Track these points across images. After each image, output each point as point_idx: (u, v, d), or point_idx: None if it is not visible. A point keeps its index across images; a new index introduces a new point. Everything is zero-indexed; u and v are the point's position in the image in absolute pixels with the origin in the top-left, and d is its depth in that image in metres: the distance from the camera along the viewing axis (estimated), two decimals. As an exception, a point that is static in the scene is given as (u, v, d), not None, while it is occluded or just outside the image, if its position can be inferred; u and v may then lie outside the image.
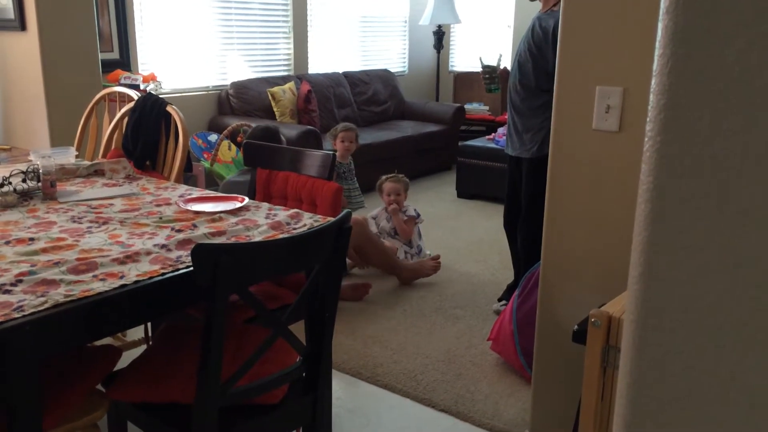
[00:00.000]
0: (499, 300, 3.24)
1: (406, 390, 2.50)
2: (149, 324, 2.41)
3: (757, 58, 0.50)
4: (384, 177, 3.91)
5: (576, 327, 1.54)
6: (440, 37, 7.14)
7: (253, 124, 4.53)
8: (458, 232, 4.45)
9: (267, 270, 1.50)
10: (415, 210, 3.89)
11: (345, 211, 1.66)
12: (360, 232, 3.32)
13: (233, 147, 4.71)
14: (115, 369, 1.70)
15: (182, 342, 1.77)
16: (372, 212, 3.93)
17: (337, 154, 3.90)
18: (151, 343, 1.98)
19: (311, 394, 1.70)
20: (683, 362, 0.56)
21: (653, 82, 0.55)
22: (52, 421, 1.44)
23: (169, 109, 2.58)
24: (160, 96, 2.75)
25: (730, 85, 0.51)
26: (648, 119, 0.56)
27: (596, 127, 1.88)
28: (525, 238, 2.99)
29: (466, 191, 5.36)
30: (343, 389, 2.52)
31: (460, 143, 5.58)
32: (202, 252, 1.34)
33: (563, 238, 2.01)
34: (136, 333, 2.60)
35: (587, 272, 1.97)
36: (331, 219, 1.66)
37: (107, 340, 2.22)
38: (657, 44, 0.54)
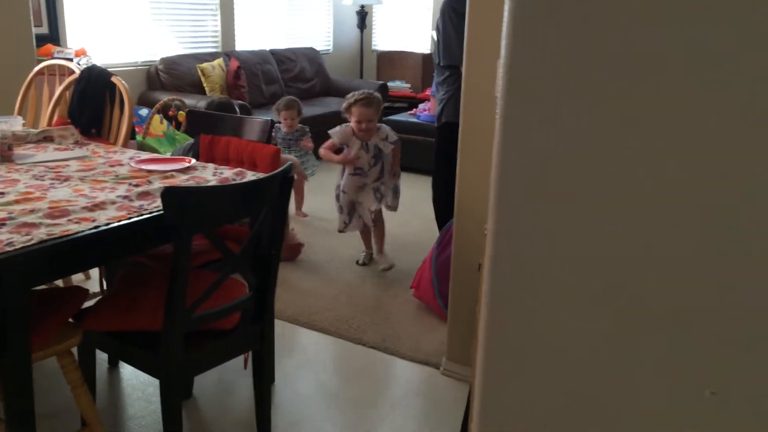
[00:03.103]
0: None
1: (340, 332, 2.81)
2: (103, 279, 2.61)
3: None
4: (353, 97, 3.31)
5: (480, 262, 1.89)
6: (363, 16, 7.41)
7: (186, 100, 4.69)
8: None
9: (225, 211, 1.76)
10: (394, 134, 3.47)
11: (287, 164, 1.93)
12: None
13: (165, 121, 4.84)
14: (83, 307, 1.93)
15: (143, 283, 2.00)
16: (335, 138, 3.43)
17: (280, 126, 4.18)
18: (112, 287, 2.20)
19: (260, 322, 1.98)
20: (522, 279, 0.88)
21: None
22: (35, 345, 1.66)
23: (113, 79, 2.76)
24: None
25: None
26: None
27: (497, 94, 2.22)
28: (435, 197, 3.37)
29: (390, 163, 5.68)
30: (281, 334, 2.80)
31: (383, 118, 5.89)
32: (170, 194, 1.59)
33: (474, 191, 2.36)
34: (93, 287, 2.79)
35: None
36: (276, 171, 1.93)
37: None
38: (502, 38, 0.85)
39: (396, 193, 3.57)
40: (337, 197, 3.47)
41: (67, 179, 2.08)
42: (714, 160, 0.74)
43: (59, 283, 2.75)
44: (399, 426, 2.23)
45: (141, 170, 2.21)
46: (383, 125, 3.41)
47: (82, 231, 1.65)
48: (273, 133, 3.78)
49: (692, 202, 0.75)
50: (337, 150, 3.44)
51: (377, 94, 3.35)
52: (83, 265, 1.74)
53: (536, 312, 0.86)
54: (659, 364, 0.79)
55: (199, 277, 2.02)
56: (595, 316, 0.83)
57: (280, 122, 4.22)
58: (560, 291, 0.84)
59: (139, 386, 2.40)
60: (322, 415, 2.27)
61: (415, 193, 4.82)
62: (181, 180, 2.13)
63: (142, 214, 1.79)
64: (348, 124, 3.36)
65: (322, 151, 3.45)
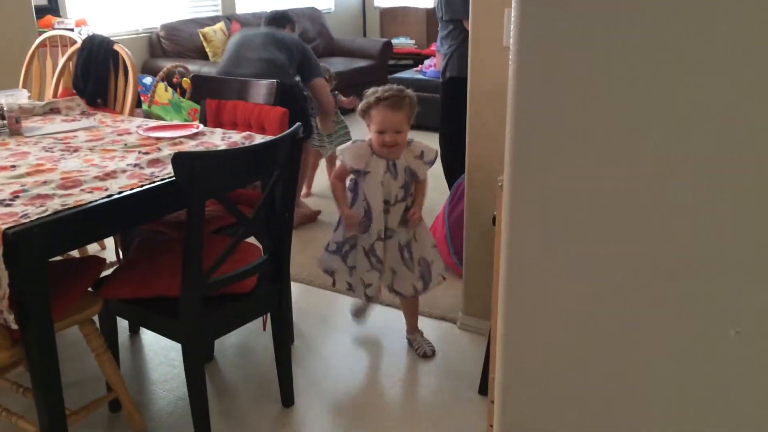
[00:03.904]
0: None
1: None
2: (119, 248, 2.62)
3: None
4: (374, 95, 2.14)
5: (494, 213, 1.88)
6: (364, -27, 7.27)
7: (189, 66, 4.65)
8: (392, 159, 4.75)
9: (235, 175, 1.75)
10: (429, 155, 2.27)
11: (296, 124, 1.91)
12: None
13: (169, 89, 4.81)
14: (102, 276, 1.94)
15: (159, 250, 2.01)
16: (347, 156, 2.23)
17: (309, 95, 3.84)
18: (128, 255, 2.22)
19: (277, 284, 1.99)
20: (540, 230, 0.87)
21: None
22: (57, 315, 1.68)
23: (116, 47, 2.73)
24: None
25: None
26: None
27: (506, 44, 2.18)
28: (442, 153, 3.34)
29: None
30: (298, 296, 2.82)
31: (389, 77, 5.82)
32: (181, 159, 1.58)
33: (484, 143, 2.33)
34: (109, 256, 2.82)
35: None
36: (285, 132, 1.92)
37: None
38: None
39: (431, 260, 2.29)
40: (338, 251, 2.28)
41: (76, 150, 2.08)
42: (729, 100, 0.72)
43: (76, 253, 2.78)
44: (419, 381, 2.26)
45: (150, 138, 2.20)
46: (416, 141, 2.21)
47: (96, 200, 1.65)
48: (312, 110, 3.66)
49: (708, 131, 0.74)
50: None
51: (410, 92, 2.14)
52: (98, 234, 1.75)
53: (555, 261, 0.86)
54: (682, 304, 0.79)
55: (215, 242, 2.03)
56: (616, 259, 0.82)
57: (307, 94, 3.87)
58: (579, 239, 0.83)
59: (161, 351, 2.43)
60: (342, 372, 2.30)
61: (425, 150, 4.80)
62: (190, 146, 2.12)
63: (153, 181, 1.79)
64: (362, 139, 2.21)
65: (332, 181, 2.33)
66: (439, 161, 3.36)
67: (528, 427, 0.95)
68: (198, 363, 1.79)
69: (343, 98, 4.00)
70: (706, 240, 0.76)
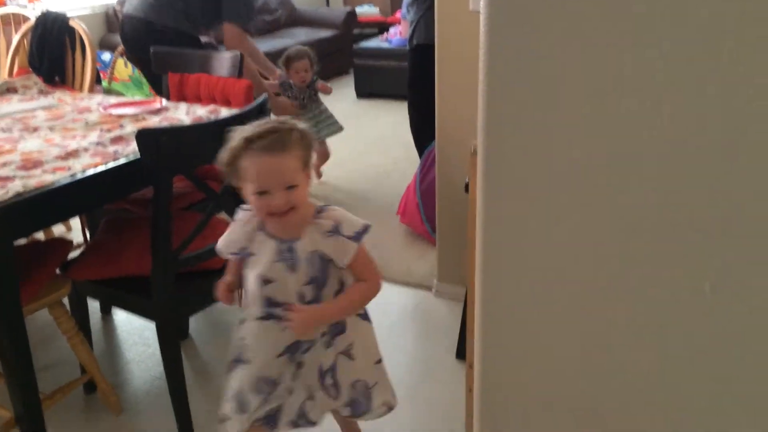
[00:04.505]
0: None
1: (329, 264, 2.82)
2: (86, 229, 2.57)
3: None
4: (239, 136, 1.34)
5: (467, 179, 1.87)
6: (325, -60, 7.12)
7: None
8: (361, 130, 4.72)
9: (202, 150, 1.71)
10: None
11: (263, 95, 1.88)
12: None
13: (129, 64, 4.68)
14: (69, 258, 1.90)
15: (126, 229, 1.97)
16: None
17: (292, 83, 3.48)
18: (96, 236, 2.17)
19: (250, 259, 1.97)
20: (516, 195, 0.86)
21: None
22: (25, 299, 1.64)
23: (72, 23, 2.64)
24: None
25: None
26: None
27: (473, 8, 2.16)
28: (411, 122, 3.33)
29: (364, 91, 5.59)
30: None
31: (354, 46, 5.75)
32: (145, 136, 1.54)
33: (453, 110, 2.32)
34: (76, 237, 2.76)
35: (475, 136, 2.31)
36: (251, 104, 1.88)
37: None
38: None
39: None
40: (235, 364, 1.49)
41: (36, 129, 2.02)
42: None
43: (41, 236, 2.72)
44: (397, 348, 2.27)
45: (111, 115, 2.14)
46: (331, 207, 1.41)
47: (59, 181, 1.60)
48: (283, 92, 3.46)
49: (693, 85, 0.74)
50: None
51: (296, 123, 1.34)
52: (63, 214, 1.71)
53: (532, 224, 0.86)
54: (658, 260, 0.80)
55: (185, 218, 2.00)
56: (591, 221, 0.82)
57: (285, 80, 3.50)
58: (555, 203, 0.83)
59: (134, 331, 2.40)
60: (320, 344, 2.30)
61: (393, 119, 4.78)
62: (153, 122, 2.07)
63: (117, 159, 1.75)
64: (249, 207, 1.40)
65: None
66: (405, 155, 3.34)
67: (508, 389, 0.96)
68: (173, 341, 1.77)
69: (323, 83, 3.66)
70: (680, 199, 0.77)
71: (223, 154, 1.31)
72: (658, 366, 0.85)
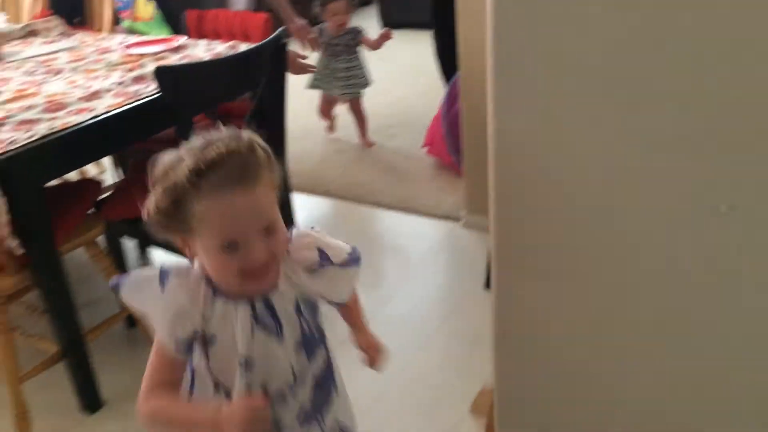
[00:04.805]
0: None
1: (357, 197, 2.84)
2: (119, 170, 2.61)
3: None
4: (179, 167, 0.84)
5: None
6: None
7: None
8: (387, 62, 4.63)
9: (221, 86, 1.71)
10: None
11: (280, 29, 1.85)
12: None
13: (150, 3, 4.63)
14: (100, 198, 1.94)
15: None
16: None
17: (328, 27, 3.15)
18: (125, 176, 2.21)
19: (276, 194, 1.99)
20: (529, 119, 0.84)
21: None
22: (60, 239, 1.69)
23: (88, -39, 2.61)
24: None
25: None
26: None
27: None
28: (437, 50, 3.23)
29: (389, 22, 5.45)
30: (301, 206, 2.82)
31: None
32: (164, 73, 1.54)
33: (476, 39, 2.26)
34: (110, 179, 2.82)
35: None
36: (268, 38, 1.85)
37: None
38: None
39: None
40: None
41: (59, 72, 2.03)
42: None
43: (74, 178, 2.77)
44: (426, 280, 2.30)
45: (132, 55, 2.14)
46: (303, 232, 1.02)
47: (83, 122, 1.62)
48: (315, 35, 3.13)
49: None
50: None
51: (252, 135, 0.92)
52: (88, 156, 1.73)
53: (545, 140, 0.84)
54: (676, 179, 0.78)
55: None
56: (607, 137, 0.80)
57: (321, 22, 3.18)
58: (568, 119, 0.81)
59: (169, 269, 2.47)
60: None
61: (419, 50, 4.66)
62: (173, 60, 2.06)
63: (139, 99, 1.75)
64: (184, 266, 0.97)
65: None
66: (433, 58, 3.24)
67: (525, 313, 0.97)
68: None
69: (367, 37, 3.22)
70: (698, 115, 0.74)
71: (155, 197, 0.87)
72: (678, 291, 0.84)
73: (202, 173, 0.83)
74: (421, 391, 1.79)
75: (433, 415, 1.71)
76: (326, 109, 3.43)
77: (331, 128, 3.51)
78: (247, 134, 0.90)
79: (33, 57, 2.20)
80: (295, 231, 1.00)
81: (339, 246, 1.02)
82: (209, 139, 0.87)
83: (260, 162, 0.88)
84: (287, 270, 0.95)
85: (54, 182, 1.97)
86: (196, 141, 0.88)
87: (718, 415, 0.86)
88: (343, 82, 3.22)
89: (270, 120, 1.90)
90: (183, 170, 0.84)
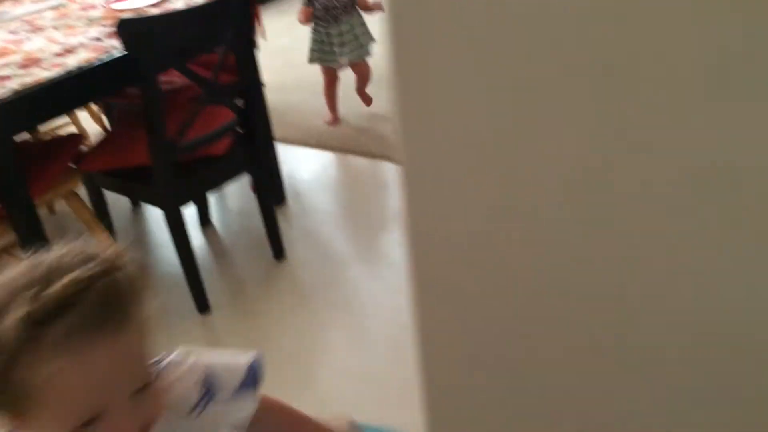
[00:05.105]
0: None
1: (351, 149, 2.86)
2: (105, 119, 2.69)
3: None
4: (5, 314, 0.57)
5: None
6: None
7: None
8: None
9: (187, 38, 1.74)
10: None
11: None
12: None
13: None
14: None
15: (135, 121, 2.06)
16: None
17: None
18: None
19: (250, 145, 2.03)
20: None
21: None
22: (38, 191, 1.76)
23: None
24: None
25: None
26: None
27: None
28: None
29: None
30: (293, 158, 2.86)
31: None
32: (125, 25, 1.58)
33: None
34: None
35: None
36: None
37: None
38: None
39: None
40: None
41: (41, 29, 2.08)
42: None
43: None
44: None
45: (113, 10, 2.18)
46: (174, 361, 0.76)
47: (54, 77, 1.68)
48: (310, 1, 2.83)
49: None
50: None
51: (125, 250, 0.66)
52: (59, 110, 1.79)
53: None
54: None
55: (190, 109, 2.06)
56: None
57: None
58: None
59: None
60: (336, 224, 2.39)
61: None
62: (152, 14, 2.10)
63: (111, 53, 1.80)
64: None
65: None
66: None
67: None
68: (179, 224, 1.89)
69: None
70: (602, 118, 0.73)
71: None
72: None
73: (44, 321, 0.57)
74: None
75: None
76: (331, 92, 3.07)
77: (333, 121, 3.10)
78: (107, 245, 0.64)
79: (19, 16, 2.26)
80: (167, 362, 0.74)
81: (231, 365, 0.78)
82: (49, 261, 0.61)
83: (131, 290, 0.62)
84: (163, 420, 0.68)
85: (41, 139, 2.04)
86: (29, 266, 0.61)
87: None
88: (349, 46, 2.87)
89: (241, 69, 1.93)
90: (12, 320, 0.56)
